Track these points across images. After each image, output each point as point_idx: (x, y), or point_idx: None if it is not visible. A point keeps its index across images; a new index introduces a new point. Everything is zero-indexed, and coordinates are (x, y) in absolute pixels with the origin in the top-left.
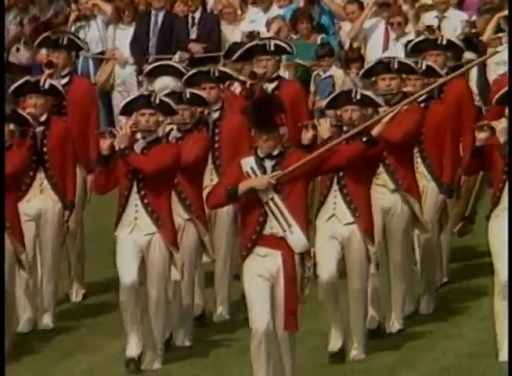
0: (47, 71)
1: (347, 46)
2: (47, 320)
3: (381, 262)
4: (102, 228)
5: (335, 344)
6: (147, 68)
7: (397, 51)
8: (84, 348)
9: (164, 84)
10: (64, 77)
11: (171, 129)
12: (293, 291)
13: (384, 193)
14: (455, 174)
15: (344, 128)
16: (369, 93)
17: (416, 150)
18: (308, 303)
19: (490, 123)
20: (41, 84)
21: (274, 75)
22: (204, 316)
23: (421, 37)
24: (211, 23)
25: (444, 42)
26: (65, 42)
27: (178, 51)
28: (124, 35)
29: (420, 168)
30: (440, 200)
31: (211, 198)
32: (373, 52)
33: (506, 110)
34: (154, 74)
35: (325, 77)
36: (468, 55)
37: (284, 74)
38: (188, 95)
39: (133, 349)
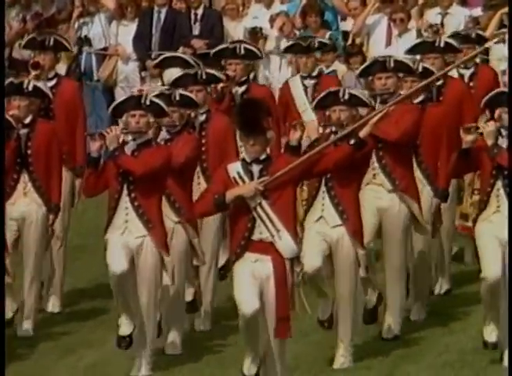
0: (33, 72)
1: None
2: (27, 326)
3: (373, 265)
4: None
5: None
6: (157, 59)
7: (399, 47)
8: (87, 343)
9: (173, 75)
10: (51, 79)
11: (160, 130)
12: (284, 297)
13: (380, 193)
14: (450, 179)
15: (333, 129)
16: (357, 93)
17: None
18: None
19: (478, 125)
20: (25, 86)
21: (243, 79)
22: (195, 301)
23: (419, 40)
24: (214, 19)
25: (441, 44)
26: (51, 43)
27: (181, 47)
28: (126, 31)
29: (416, 172)
30: (434, 205)
31: (199, 207)
32: (376, 48)
33: (497, 112)
34: (163, 66)
35: (328, 73)
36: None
37: (287, 69)
38: (177, 97)
39: (125, 329)
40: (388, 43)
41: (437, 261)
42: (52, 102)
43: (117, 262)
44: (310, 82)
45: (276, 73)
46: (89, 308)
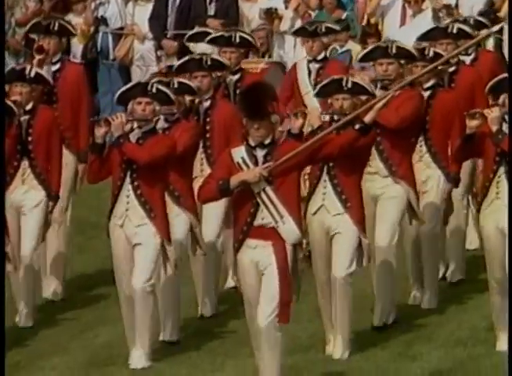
0: (37, 57)
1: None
2: (27, 316)
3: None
4: None
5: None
6: (189, 33)
7: (413, 27)
8: (103, 321)
9: (202, 50)
10: (55, 63)
11: (158, 119)
12: (285, 282)
13: (374, 181)
14: (460, 164)
15: (335, 117)
16: (360, 81)
17: (421, 138)
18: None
19: (482, 111)
20: (27, 72)
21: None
22: None
23: (431, 26)
24: (229, 0)
25: (454, 30)
26: (56, 28)
27: (196, 26)
28: (143, 11)
29: (425, 156)
30: (446, 190)
31: (203, 193)
32: (390, 29)
33: (501, 98)
34: (195, 40)
35: (342, 52)
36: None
37: (301, 49)
38: (175, 85)
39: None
40: (403, 23)
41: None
42: (56, 86)
43: (125, 284)
44: (315, 66)
45: (291, 52)
46: (105, 285)
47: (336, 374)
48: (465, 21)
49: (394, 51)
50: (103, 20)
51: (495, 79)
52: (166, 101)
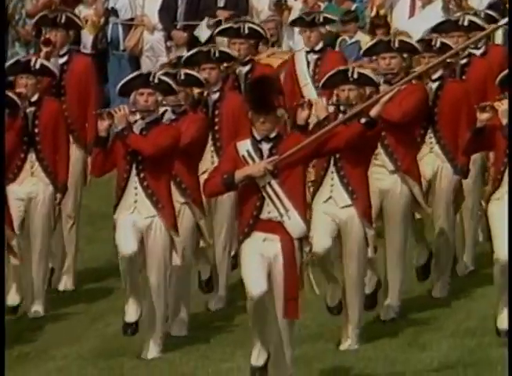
0: (44, 49)
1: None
2: (37, 307)
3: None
4: None
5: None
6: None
7: (422, 19)
8: (114, 310)
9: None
10: (63, 56)
11: (165, 111)
12: (292, 277)
13: (382, 174)
14: (469, 156)
15: (341, 108)
16: (366, 72)
17: (430, 130)
18: None
19: (493, 104)
20: (32, 64)
21: (247, 58)
22: (211, 280)
23: (443, 19)
24: None
25: (465, 23)
26: (63, 21)
27: (206, 17)
28: (152, 2)
29: (435, 148)
30: (455, 181)
31: (208, 187)
32: (399, 20)
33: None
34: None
35: (351, 43)
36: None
37: None
38: (182, 76)
39: (132, 316)
40: (411, 15)
41: (460, 241)
42: (64, 78)
43: (126, 244)
44: (313, 57)
45: (300, 43)
46: (116, 275)
47: (345, 363)
48: (475, 14)
49: (396, 45)
50: (113, 11)
51: (506, 72)
52: (168, 91)
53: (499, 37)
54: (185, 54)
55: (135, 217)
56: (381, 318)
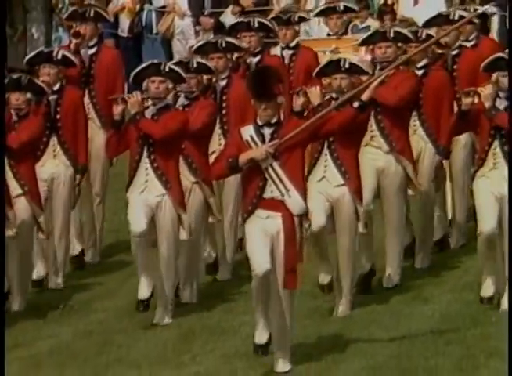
0: (74, 41)
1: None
2: (59, 280)
3: (373, 221)
4: None
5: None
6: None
7: (426, 6)
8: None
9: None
10: (92, 47)
11: (178, 96)
12: (292, 250)
13: (378, 155)
14: (451, 137)
15: (334, 95)
16: (356, 62)
17: (414, 113)
18: None
19: (476, 89)
20: (54, 54)
21: (257, 50)
22: (217, 262)
23: (427, 16)
24: None
25: (456, 17)
26: (92, 15)
27: (231, 5)
28: None
29: (419, 130)
30: (436, 161)
31: (214, 170)
32: (405, 7)
33: (494, 76)
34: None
35: (362, 28)
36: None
37: (324, 25)
38: (195, 64)
39: (144, 293)
40: (416, 2)
41: (452, 216)
42: (93, 68)
43: (137, 222)
44: (288, 53)
45: (315, 28)
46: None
47: (352, 313)
48: (465, 9)
49: (392, 35)
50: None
51: (489, 58)
52: (178, 79)
53: (494, 25)
54: (196, 44)
55: (145, 196)
56: (384, 285)
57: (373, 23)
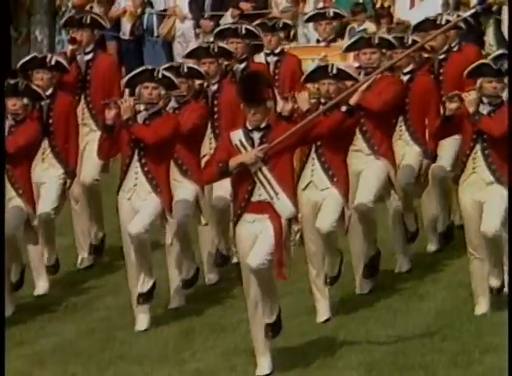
0: (70, 47)
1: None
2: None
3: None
4: None
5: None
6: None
7: (422, 9)
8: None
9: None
10: (88, 53)
11: (170, 100)
12: (280, 244)
13: (359, 158)
14: (437, 142)
15: (322, 100)
16: (344, 68)
17: (400, 118)
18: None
19: (460, 94)
20: (48, 60)
21: (243, 56)
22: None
23: (422, 19)
24: None
25: (443, 22)
26: (88, 21)
27: (230, 8)
28: None
29: (404, 135)
30: (424, 165)
31: (204, 175)
32: (401, 11)
33: (478, 82)
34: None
35: (359, 31)
36: None
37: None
38: (186, 69)
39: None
40: (412, 6)
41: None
42: (89, 74)
43: (130, 223)
44: (273, 59)
45: (314, 31)
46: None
47: (350, 309)
48: (449, 14)
49: (376, 41)
50: (149, 3)
51: (473, 64)
52: (170, 86)
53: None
54: (187, 49)
55: (132, 202)
56: (395, 270)
57: (370, 26)
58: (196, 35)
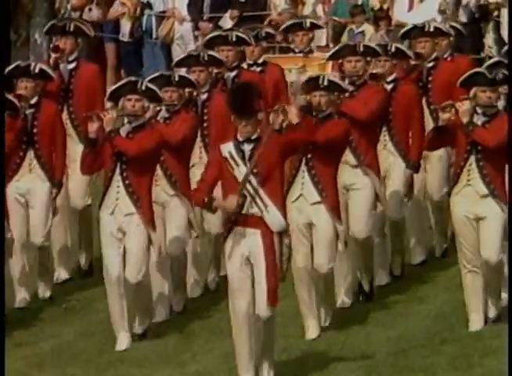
0: (53, 55)
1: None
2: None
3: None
4: None
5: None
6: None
7: (420, 12)
8: None
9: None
10: (71, 62)
11: (160, 109)
12: (272, 270)
13: (346, 171)
14: (422, 152)
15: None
16: (335, 80)
17: (384, 128)
18: None
19: (453, 103)
20: (32, 68)
21: (234, 64)
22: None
23: (409, 26)
24: None
25: (431, 29)
26: (71, 29)
27: (229, 10)
28: None
29: (388, 145)
30: (407, 176)
31: (195, 199)
32: (399, 13)
33: (472, 91)
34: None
35: (357, 32)
36: None
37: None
38: (176, 78)
39: (123, 344)
40: (410, 8)
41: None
42: (72, 83)
43: (113, 264)
44: (256, 69)
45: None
46: None
47: (349, 312)
48: (456, 21)
49: (361, 49)
50: (148, 4)
51: (467, 74)
52: (154, 98)
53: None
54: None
55: (115, 217)
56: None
57: (369, 28)
58: (195, 37)
